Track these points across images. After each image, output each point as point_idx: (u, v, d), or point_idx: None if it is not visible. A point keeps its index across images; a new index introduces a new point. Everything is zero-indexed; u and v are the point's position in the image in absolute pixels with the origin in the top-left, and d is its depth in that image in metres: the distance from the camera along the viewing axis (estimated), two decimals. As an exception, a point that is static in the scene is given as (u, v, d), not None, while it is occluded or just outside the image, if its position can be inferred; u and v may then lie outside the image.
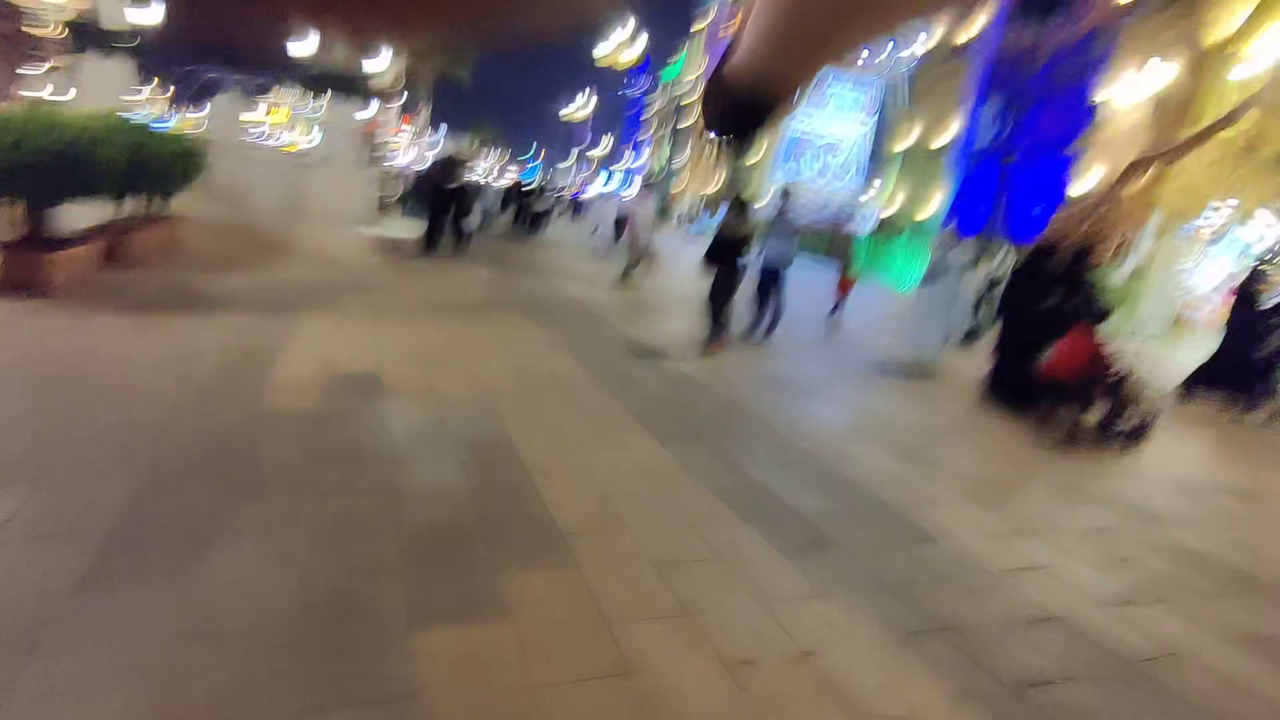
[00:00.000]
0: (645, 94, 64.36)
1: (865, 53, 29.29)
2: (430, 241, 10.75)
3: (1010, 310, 6.22)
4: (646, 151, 62.62)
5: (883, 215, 24.28)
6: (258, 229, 9.66)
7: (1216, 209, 15.62)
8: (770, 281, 7.43)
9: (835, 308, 9.92)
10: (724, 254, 6.77)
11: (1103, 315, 5.60)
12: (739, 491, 3.33)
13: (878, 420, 5.10)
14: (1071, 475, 4.47)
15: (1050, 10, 8.84)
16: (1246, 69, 14.31)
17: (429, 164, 12.00)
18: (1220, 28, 14.34)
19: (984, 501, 3.70)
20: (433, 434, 3.50)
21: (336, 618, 2.01)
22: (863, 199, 34.22)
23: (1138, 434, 5.04)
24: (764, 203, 31.01)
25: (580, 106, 44.66)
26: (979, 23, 20.49)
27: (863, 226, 26.47)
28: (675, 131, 50.09)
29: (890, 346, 8.37)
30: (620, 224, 16.54)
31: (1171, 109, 14.84)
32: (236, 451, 2.98)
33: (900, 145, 23.65)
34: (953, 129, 21.30)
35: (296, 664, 1.81)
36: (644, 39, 29.48)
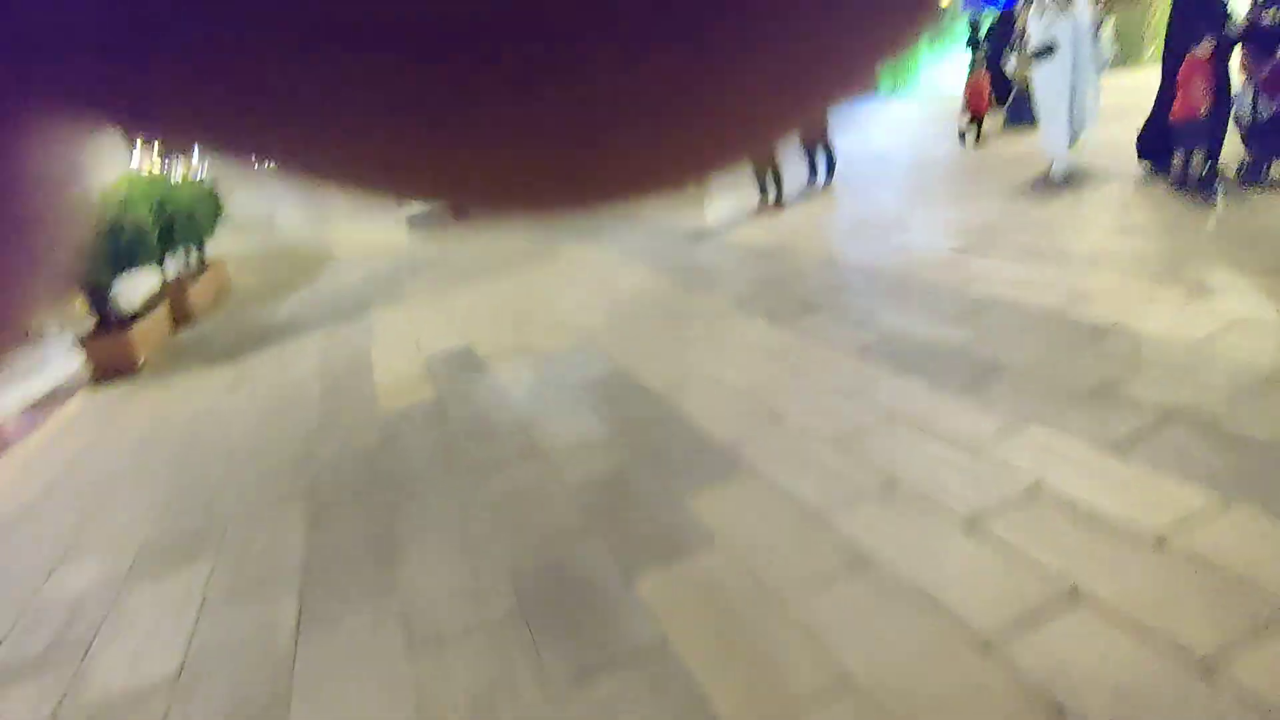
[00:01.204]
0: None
1: None
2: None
3: (1171, 50, 4.91)
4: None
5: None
6: (294, 247, 9.66)
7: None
8: (813, 128, 6.90)
9: (969, 130, 8.01)
10: None
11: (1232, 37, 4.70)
12: (879, 346, 3.11)
13: (991, 232, 4.69)
14: (1229, 223, 4.01)
15: None
16: None
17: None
18: None
19: (1149, 276, 3.35)
20: (551, 389, 3.41)
21: (555, 590, 1.96)
22: None
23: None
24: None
25: None
26: None
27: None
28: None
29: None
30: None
31: None
32: (380, 459, 2.96)
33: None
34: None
35: (541, 641, 1.78)
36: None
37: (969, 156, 7.48)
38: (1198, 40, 4.44)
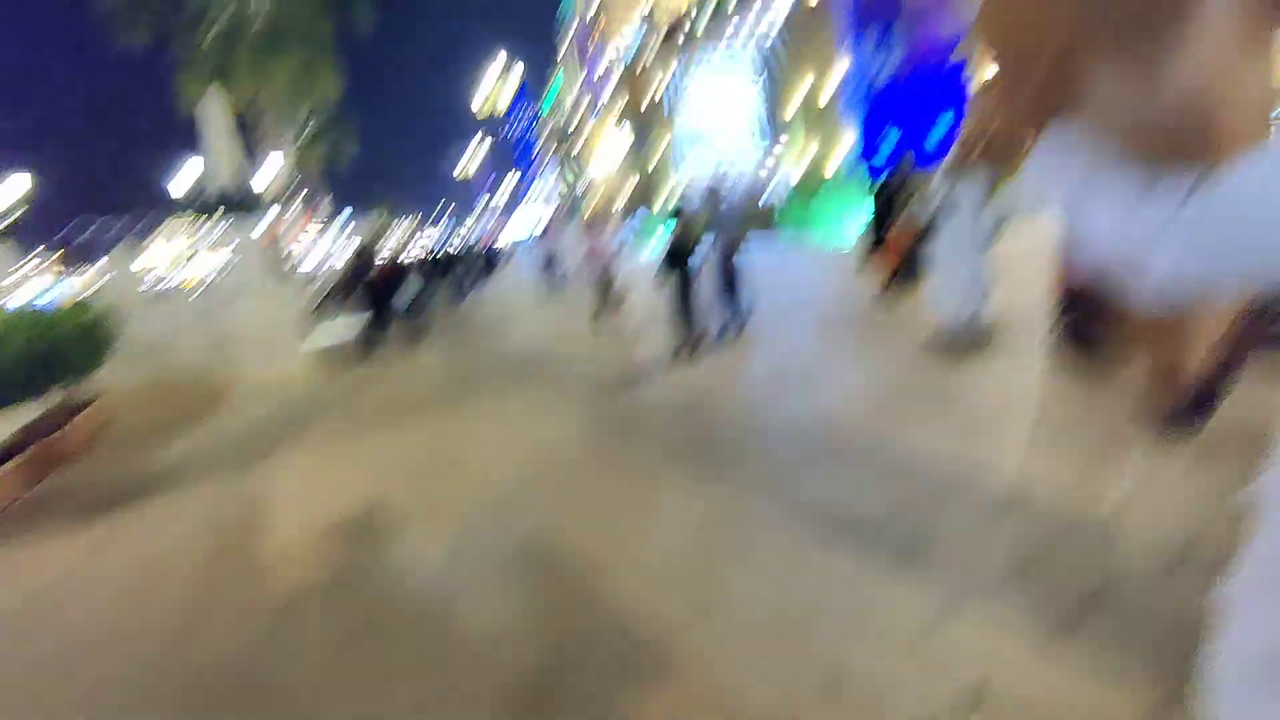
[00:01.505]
0: (532, 123, 64.38)
1: (731, 26, 29.75)
2: (374, 337, 10.29)
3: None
4: (547, 180, 62.56)
5: (796, 173, 24.55)
6: (188, 381, 9.04)
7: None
8: (728, 273, 7.27)
9: (895, 277, 8.09)
10: (676, 260, 6.71)
11: None
12: (808, 515, 3.08)
13: (902, 389, 4.91)
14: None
15: None
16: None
17: (351, 256, 11.50)
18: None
19: (1053, 443, 3.53)
20: (466, 563, 3.15)
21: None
22: (771, 162, 34.75)
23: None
24: (686, 197, 31.29)
25: (472, 154, 44.28)
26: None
27: (780, 188, 26.80)
28: (572, 152, 50.09)
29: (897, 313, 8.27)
30: (552, 260, 16.35)
31: None
32: (264, 661, 2.58)
33: (794, 101, 23.98)
34: (839, 70, 21.68)
35: None
36: (517, 72, 29.43)
37: (881, 308, 8.01)
38: None
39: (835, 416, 4.37)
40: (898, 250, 8.09)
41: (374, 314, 10.39)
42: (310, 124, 22.14)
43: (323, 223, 24.82)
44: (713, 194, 7.45)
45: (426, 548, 3.33)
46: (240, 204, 9.24)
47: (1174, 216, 0.65)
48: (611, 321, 9.54)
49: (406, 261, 15.50)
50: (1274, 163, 0.60)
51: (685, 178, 32.44)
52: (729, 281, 7.29)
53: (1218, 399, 0.99)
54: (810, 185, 22.99)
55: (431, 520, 3.66)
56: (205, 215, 10.36)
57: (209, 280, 13.53)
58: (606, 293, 9.45)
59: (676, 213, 6.88)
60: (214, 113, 9.08)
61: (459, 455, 4.71)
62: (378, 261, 10.65)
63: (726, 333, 7.38)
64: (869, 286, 9.69)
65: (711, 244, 7.20)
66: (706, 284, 7.10)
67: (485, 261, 22.78)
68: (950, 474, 3.29)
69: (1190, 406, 1.15)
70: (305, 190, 23.15)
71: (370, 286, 10.27)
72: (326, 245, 25.28)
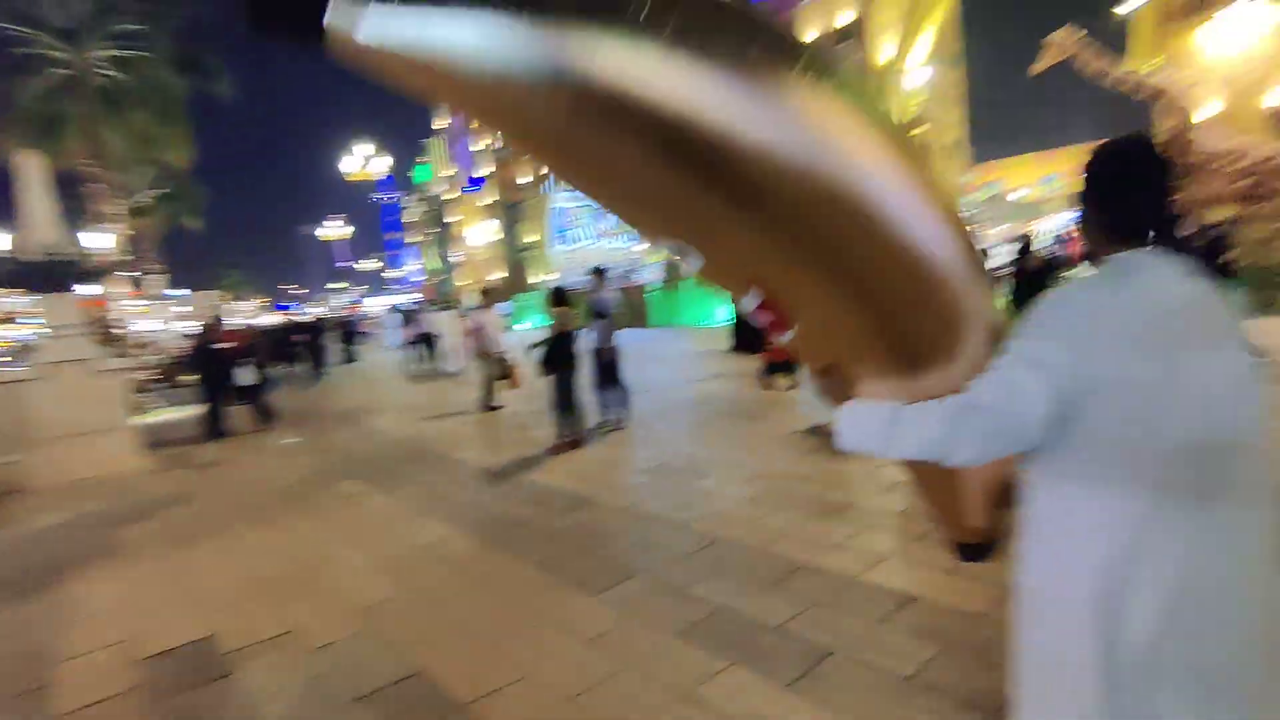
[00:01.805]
0: (400, 200, 63.44)
1: None
2: (215, 421, 9.24)
3: None
4: (417, 257, 61.23)
5: (666, 264, 25.64)
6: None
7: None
8: (608, 363, 7.28)
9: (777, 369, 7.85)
10: (557, 351, 6.64)
11: None
12: (702, 626, 2.98)
13: (782, 481, 5.02)
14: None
15: None
16: (911, 80, 17.38)
17: (193, 330, 10.40)
18: (884, 52, 17.32)
19: (930, 538, 3.70)
20: (322, 707, 2.73)
21: None
22: (639, 252, 36.17)
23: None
24: (555, 278, 31.59)
25: (336, 228, 42.55)
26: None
27: (651, 279, 27.83)
28: (443, 229, 49.52)
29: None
30: (428, 339, 15.70)
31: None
32: None
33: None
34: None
35: None
36: (388, 151, 29.09)
37: (760, 399, 8.31)
38: None
39: (720, 511, 4.37)
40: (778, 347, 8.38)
41: (216, 395, 9.36)
42: (151, 191, 20.35)
43: (159, 295, 22.49)
44: (598, 274, 7.50)
45: (274, 687, 2.86)
46: (58, 274, 8.13)
47: (893, 433, 1.23)
48: (494, 407, 9.22)
49: (256, 337, 14.31)
50: (937, 410, 1.17)
51: (562, 262, 32.96)
52: (610, 371, 7.30)
53: (998, 541, 1.44)
54: (675, 276, 24.07)
55: (281, 649, 3.17)
56: (16, 286, 9.04)
57: (10, 361, 11.66)
58: (490, 377, 9.14)
59: (557, 296, 6.82)
60: (31, 172, 8.06)
61: (315, 566, 4.19)
62: (223, 335, 9.69)
63: (609, 424, 7.33)
64: (742, 373, 10.09)
65: (593, 333, 7.21)
66: (587, 374, 7.07)
67: (347, 338, 21.53)
68: (834, 569, 3.34)
69: (976, 546, 1.68)
70: (140, 260, 21.02)
71: (213, 364, 9.30)
72: (163, 319, 22.86)
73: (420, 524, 4.81)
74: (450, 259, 47.71)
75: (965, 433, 1.13)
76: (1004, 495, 1.24)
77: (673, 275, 24.48)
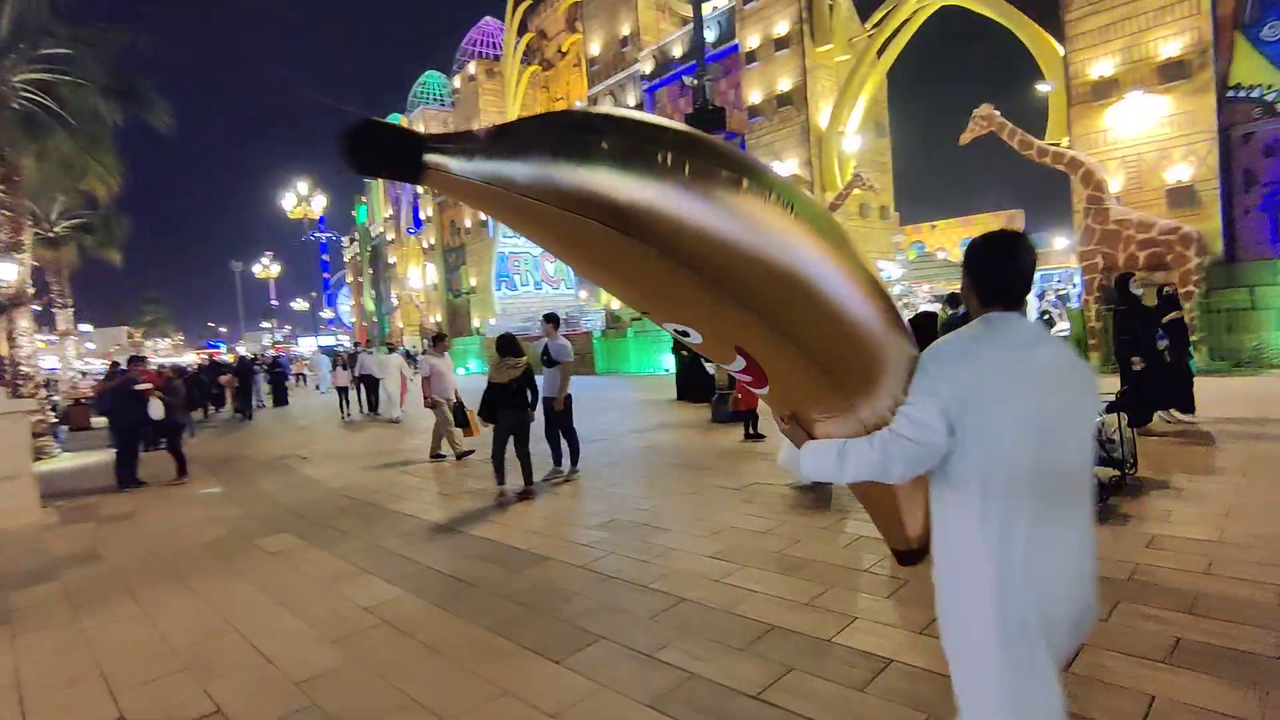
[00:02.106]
0: (338, 239, 61.97)
1: None
2: (127, 469, 8.54)
3: None
4: (350, 298, 59.59)
5: (606, 314, 25.78)
6: None
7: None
8: (559, 411, 7.11)
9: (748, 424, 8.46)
10: (502, 401, 6.48)
11: None
12: (674, 694, 2.83)
13: (741, 536, 4.94)
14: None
15: (689, 121, 10.72)
16: (850, 144, 18.27)
17: (108, 369, 9.66)
18: (824, 116, 18.19)
19: (898, 599, 3.67)
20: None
21: None
22: (583, 300, 36.27)
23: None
24: (495, 322, 31.20)
25: (268, 265, 41.00)
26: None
27: (593, 327, 27.85)
28: (379, 270, 48.42)
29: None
30: (368, 383, 15.07)
31: (805, 186, 18.24)
32: None
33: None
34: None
35: None
36: (324, 191, 28.41)
37: (707, 448, 8.26)
38: None
39: (682, 569, 4.24)
40: (750, 400, 8.25)
41: (129, 440, 8.67)
42: (68, 220, 19.16)
43: (68, 331, 20.95)
44: (551, 321, 7.37)
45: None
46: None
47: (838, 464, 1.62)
48: (441, 456, 8.86)
49: (174, 377, 13.48)
50: (873, 443, 1.55)
51: (504, 308, 32.63)
52: (562, 420, 7.14)
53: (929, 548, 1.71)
54: (621, 324, 24.18)
55: (203, 735, 2.83)
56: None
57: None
58: (442, 424, 8.79)
59: (506, 344, 6.63)
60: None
61: (243, 634, 3.82)
62: (141, 374, 9.04)
63: (559, 475, 7.14)
64: (689, 423, 10.07)
65: (545, 380, 7.06)
66: (537, 423, 6.90)
67: (277, 379, 20.47)
68: (805, 630, 3.26)
69: (912, 552, 2.05)
70: (48, 293, 19.63)
71: (126, 405, 8.63)
72: (68, 356, 21.26)
73: (363, 583, 4.49)
74: (387, 300, 46.57)
75: (895, 457, 1.51)
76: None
77: (616, 323, 24.57)
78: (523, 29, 30.41)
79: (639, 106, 23.20)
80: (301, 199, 26.38)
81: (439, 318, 37.77)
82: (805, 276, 1.57)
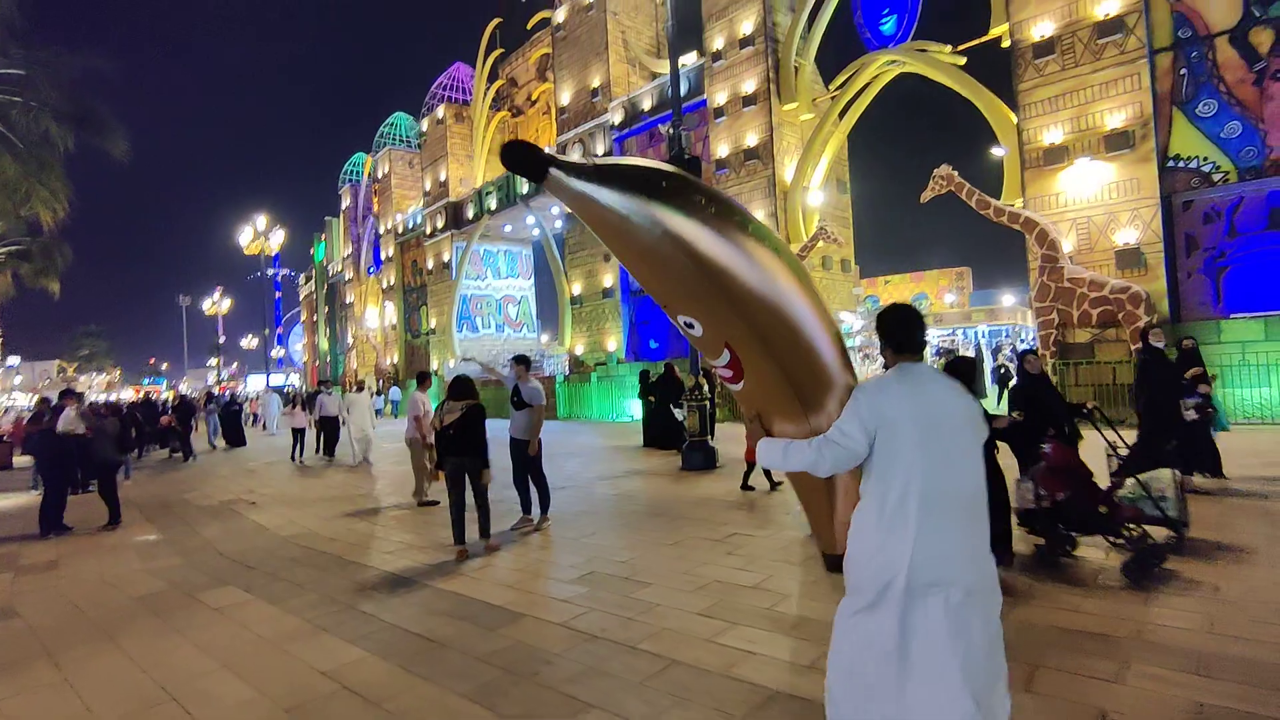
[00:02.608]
0: (293, 277, 60.63)
1: (508, 227, 31.70)
2: (54, 513, 7.85)
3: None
4: (302, 337, 58.06)
5: (569, 358, 25.54)
6: None
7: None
8: (521, 455, 6.79)
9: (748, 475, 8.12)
10: (457, 443, 5.91)
11: None
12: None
13: (729, 591, 4.70)
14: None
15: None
16: (814, 198, 18.75)
17: (35, 405, 8.98)
18: (789, 170, 18.66)
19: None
20: None
21: None
22: (544, 346, 35.96)
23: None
24: (455, 364, 30.58)
25: (218, 300, 39.68)
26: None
27: (555, 371, 27.53)
28: (334, 309, 47.32)
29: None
30: (329, 423, 14.31)
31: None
32: None
33: (569, 294, 25.46)
34: (610, 275, 23.72)
35: None
36: (281, 226, 27.81)
37: (681, 497, 8.02)
38: None
39: (671, 628, 3.98)
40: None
41: (57, 481, 8.01)
42: (3, 246, 18.19)
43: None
44: (521, 363, 7.09)
45: None
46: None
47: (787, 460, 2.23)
48: (419, 498, 8.43)
49: (110, 413, 12.69)
50: (810, 444, 2.17)
51: (464, 350, 32.09)
52: (532, 466, 6.84)
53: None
54: (584, 369, 23.96)
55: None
56: None
57: None
58: (423, 466, 8.33)
59: (456, 386, 6.18)
60: None
61: (183, 702, 3.39)
62: (72, 412, 8.41)
63: (527, 523, 6.81)
64: (660, 471, 9.86)
65: (515, 423, 6.78)
66: (503, 469, 6.59)
67: (227, 418, 19.43)
68: (805, 693, 3.03)
69: (834, 558, 3.25)
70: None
71: (55, 444, 7.99)
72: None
73: (320, 644, 4.09)
74: (342, 340, 45.39)
75: (826, 457, 2.11)
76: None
77: (580, 368, 24.35)
78: (493, 76, 30.79)
79: (608, 154, 23.53)
80: (259, 234, 25.71)
81: (396, 358, 36.90)
82: (790, 312, 2.38)
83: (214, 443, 18.86)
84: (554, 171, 2.20)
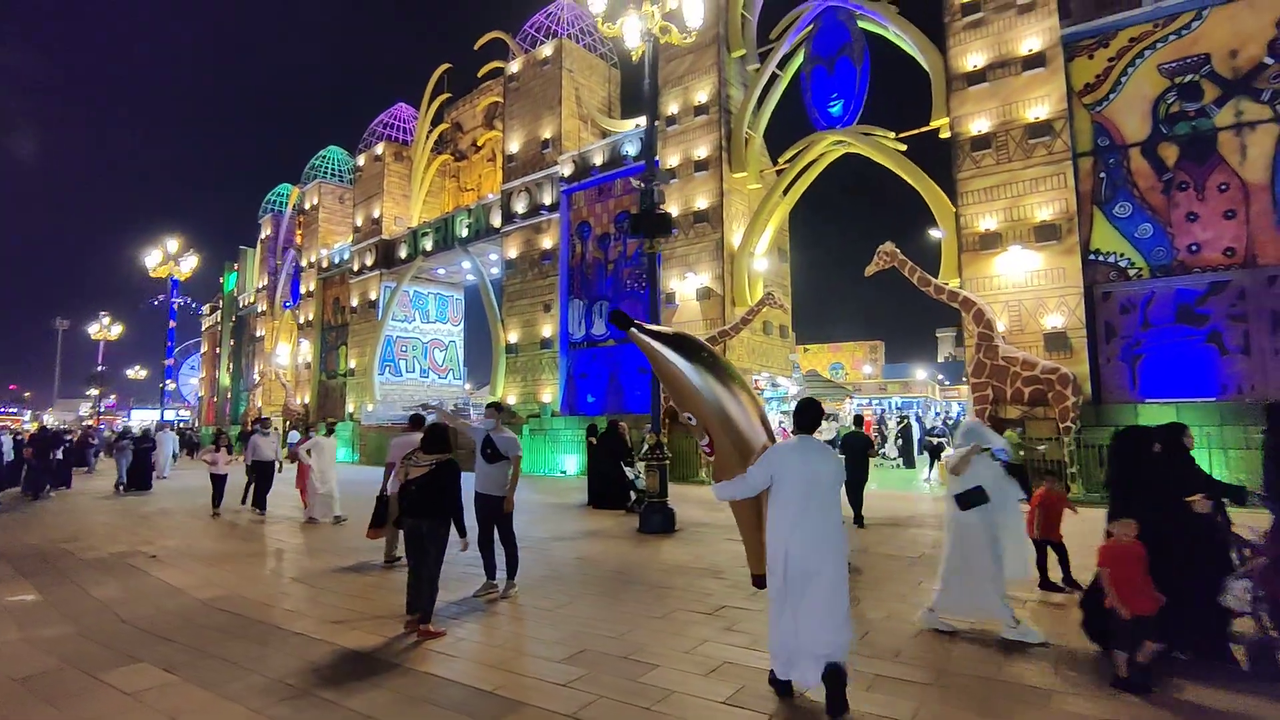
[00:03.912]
0: (194, 306, 56.73)
1: (441, 270, 30.95)
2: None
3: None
4: (203, 371, 53.94)
5: (494, 405, 24.66)
6: None
7: (758, 374, 19.94)
8: (491, 513, 6.21)
9: None
10: (420, 503, 5.16)
11: None
12: None
13: (758, 678, 4.29)
14: None
15: (636, 221, 10.74)
16: (759, 265, 19.19)
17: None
18: (736, 236, 19.07)
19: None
20: None
21: None
22: (469, 393, 34.74)
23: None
24: (374, 408, 28.93)
25: (105, 326, 36.26)
26: (552, 239, 23.48)
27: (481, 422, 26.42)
28: (241, 343, 44.26)
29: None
30: (263, 469, 12.36)
31: (718, 299, 18.82)
32: None
33: (504, 342, 24.79)
34: (549, 325, 23.31)
35: None
36: (193, 253, 25.87)
37: (649, 562, 7.55)
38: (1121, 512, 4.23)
39: (685, 711, 3.54)
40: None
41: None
42: None
43: None
44: (497, 409, 6.56)
45: None
46: None
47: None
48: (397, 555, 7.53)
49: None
50: (738, 482, 3.98)
51: (385, 393, 30.48)
52: (502, 525, 6.26)
53: None
54: (516, 420, 23.15)
55: None
56: None
57: None
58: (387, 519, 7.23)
59: (434, 441, 5.41)
60: None
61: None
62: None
63: (492, 590, 6.18)
64: (615, 534, 9.37)
65: (484, 477, 6.22)
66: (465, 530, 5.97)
67: (141, 455, 16.74)
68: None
69: (760, 578, 4.13)
70: None
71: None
72: None
73: (277, 743, 3.38)
74: (248, 376, 42.29)
75: (744, 486, 3.86)
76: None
77: (512, 419, 23.51)
78: (438, 119, 30.46)
79: (554, 205, 23.44)
80: (170, 258, 23.76)
81: (308, 398, 34.64)
82: (738, 411, 4.05)
83: (123, 479, 16.49)
84: (635, 329, 3.96)
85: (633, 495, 12.28)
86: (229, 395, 45.38)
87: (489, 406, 6.66)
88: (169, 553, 8.48)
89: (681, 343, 3.99)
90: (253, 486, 12.38)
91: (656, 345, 3.93)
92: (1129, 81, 13.80)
